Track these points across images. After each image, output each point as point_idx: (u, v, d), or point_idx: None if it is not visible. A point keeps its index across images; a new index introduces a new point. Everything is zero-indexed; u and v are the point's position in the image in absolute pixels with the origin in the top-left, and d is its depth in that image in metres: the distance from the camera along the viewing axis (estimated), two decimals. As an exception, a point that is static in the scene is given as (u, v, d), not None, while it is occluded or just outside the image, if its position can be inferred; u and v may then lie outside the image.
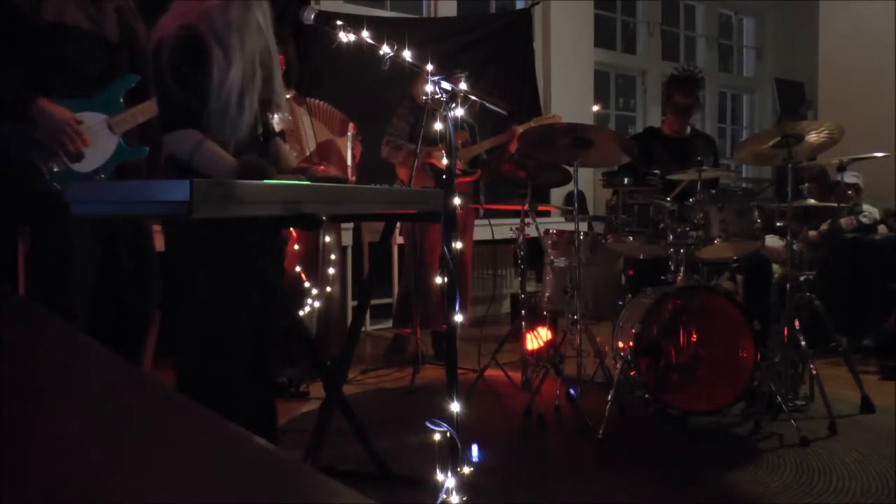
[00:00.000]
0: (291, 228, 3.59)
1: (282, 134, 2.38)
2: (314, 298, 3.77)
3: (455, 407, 2.00)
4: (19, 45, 2.37)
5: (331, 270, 3.87)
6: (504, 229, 4.29)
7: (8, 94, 2.34)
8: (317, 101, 3.95)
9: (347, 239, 5.29)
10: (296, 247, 3.75)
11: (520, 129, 4.25)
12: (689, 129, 4.06)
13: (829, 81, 6.49)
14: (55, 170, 2.37)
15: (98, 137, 2.47)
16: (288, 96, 3.68)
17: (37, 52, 2.39)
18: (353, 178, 3.72)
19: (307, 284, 3.76)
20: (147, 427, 0.54)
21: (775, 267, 3.83)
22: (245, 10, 2.08)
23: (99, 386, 0.65)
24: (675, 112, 3.99)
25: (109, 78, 2.51)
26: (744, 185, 7.57)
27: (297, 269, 3.74)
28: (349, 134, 3.90)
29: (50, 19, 2.38)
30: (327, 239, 3.85)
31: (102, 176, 2.47)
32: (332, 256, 3.88)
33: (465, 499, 2.01)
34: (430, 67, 2.12)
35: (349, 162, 3.85)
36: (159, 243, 2.28)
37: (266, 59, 2.16)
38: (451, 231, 2.05)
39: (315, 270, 3.82)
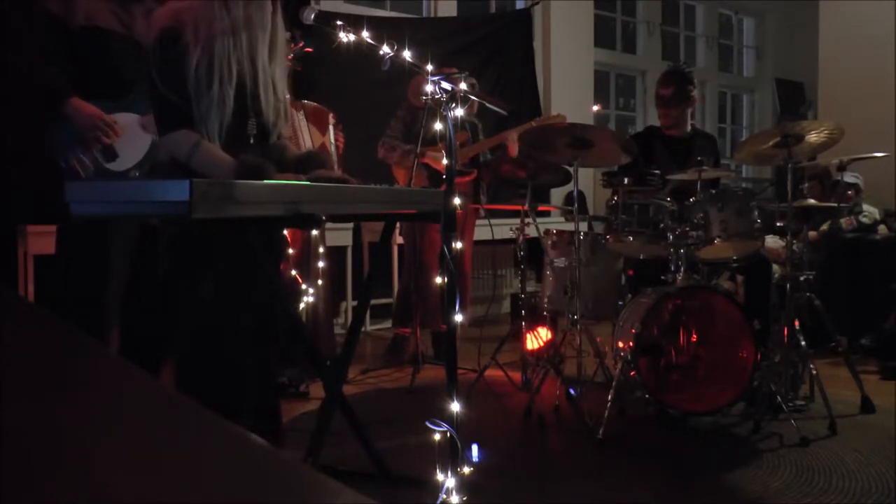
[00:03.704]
0: (286, 230, 3.58)
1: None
2: (308, 296, 3.77)
3: (455, 407, 2.00)
4: (57, 48, 2.48)
5: (320, 264, 3.86)
6: (504, 229, 4.29)
7: (46, 92, 2.47)
8: (309, 102, 3.94)
9: (347, 239, 5.29)
10: (290, 251, 3.75)
11: (514, 133, 4.26)
12: (689, 128, 4.05)
13: (829, 81, 6.49)
14: (91, 169, 2.43)
15: (131, 137, 2.53)
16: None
17: (73, 55, 2.50)
18: (339, 170, 3.71)
19: (304, 286, 3.76)
20: (147, 427, 0.54)
21: (775, 267, 3.83)
22: (237, 8, 2.07)
23: (99, 386, 0.65)
24: (658, 105, 3.99)
25: (141, 79, 2.55)
26: (744, 185, 7.57)
27: (293, 272, 3.73)
28: (330, 126, 3.89)
29: (83, 23, 2.49)
30: (314, 233, 3.84)
31: (137, 174, 2.53)
32: (321, 250, 3.87)
33: (465, 499, 2.01)
34: (429, 67, 2.12)
35: (333, 153, 3.85)
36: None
37: (262, 56, 2.15)
38: (450, 231, 2.05)
39: (308, 269, 3.82)
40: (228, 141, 2.07)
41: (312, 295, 3.79)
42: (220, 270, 2.10)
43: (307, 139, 3.78)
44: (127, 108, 2.54)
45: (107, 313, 2.49)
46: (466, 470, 2.04)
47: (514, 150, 4.25)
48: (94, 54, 2.52)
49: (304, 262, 3.83)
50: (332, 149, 3.88)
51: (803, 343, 3.24)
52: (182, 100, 2.02)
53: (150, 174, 2.56)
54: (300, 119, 3.77)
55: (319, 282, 3.84)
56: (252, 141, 2.18)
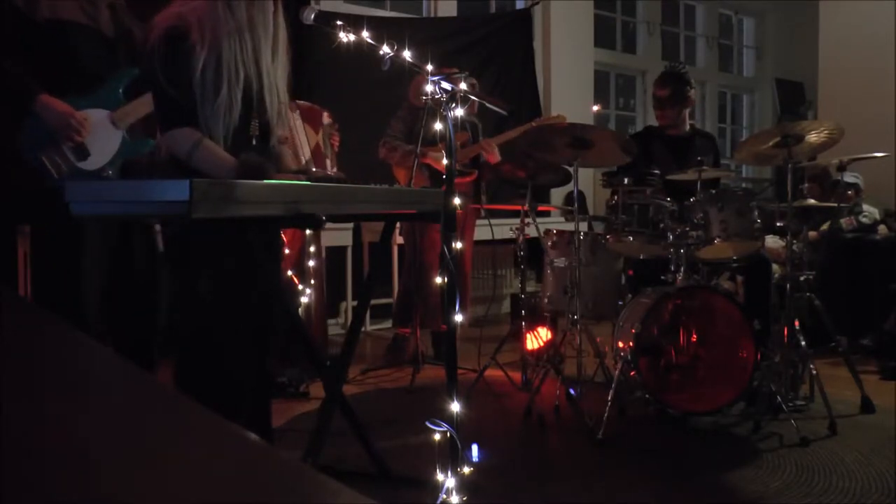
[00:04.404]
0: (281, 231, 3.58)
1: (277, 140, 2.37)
2: (303, 296, 3.78)
3: (455, 407, 2.00)
4: (20, 41, 2.38)
5: (311, 263, 3.85)
6: (504, 229, 4.29)
7: (13, 89, 2.36)
8: (302, 102, 3.94)
9: (347, 239, 5.29)
10: (286, 251, 3.75)
11: (492, 143, 4.27)
12: (688, 128, 4.05)
13: (829, 81, 6.49)
14: (64, 169, 2.38)
15: (102, 133, 2.47)
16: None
17: (37, 48, 2.40)
18: (335, 169, 3.71)
19: (300, 287, 3.75)
20: (146, 427, 0.54)
21: (775, 267, 3.83)
22: (241, 9, 2.07)
23: (98, 386, 0.65)
24: (655, 105, 4.00)
25: (108, 72, 2.51)
26: (744, 185, 7.57)
27: (290, 273, 3.73)
28: (324, 125, 3.89)
29: (47, 15, 2.39)
30: (307, 232, 3.84)
31: (110, 173, 2.48)
32: (311, 249, 3.87)
33: (465, 499, 2.01)
34: (429, 67, 2.12)
35: (327, 152, 3.84)
36: (159, 244, 2.29)
37: (266, 58, 2.15)
38: (450, 231, 2.05)
39: (303, 269, 3.82)
40: (232, 142, 2.08)
41: (307, 295, 3.78)
42: (220, 270, 2.10)
43: (303, 139, 3.77)
44: (96, 102, 2.47)
45: (85, 312, 2.43)
46: (466, 470, 2.04)
47: (493, 157, 4.26)
48: (60, 48, 2.42)
49: (301, 262, 3.83)
50: (326, 148, 3.88)
51: (803, 343, 3.24)
52: (185, 98, 2.02)
53: (122, 171, 2.53)
54: (296, 119, 3.77)
55: (312, 282, 3.84)
56: (254, 142, 2.18)
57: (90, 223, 2.38)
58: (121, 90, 2.53)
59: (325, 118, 3.92)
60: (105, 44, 2.52)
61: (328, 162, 3.84)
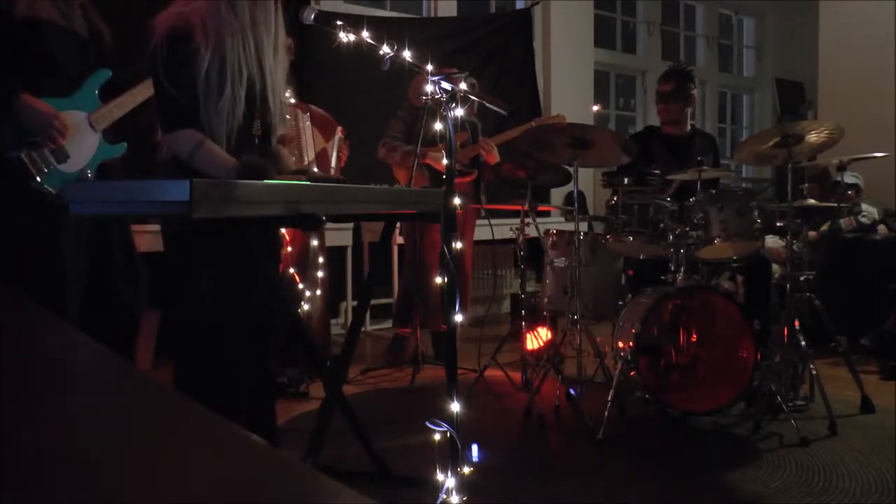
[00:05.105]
0: (284, 230, 3.58)
1: (281, 139, 2.37)
2: (305, 301, 3.78)
3: (455, 407, 2.00)
4: (1, 42, 2.34)
5: (319, 274, 3.86)
6: (504, 229, 4.29)
7: None
8: (317, 108, 3.95)
9: (347, 239, 5.29)
10: (289, 248, 3.75)
11: (490, 143, 4.27)
12: (689, 128, 4.05)
13: (829, 81, 6.49)
14: (45, 171, 2.36)
15: (81, 135, 2.46)
16: (292, 101, 3.68)
17: (14, 47, 2.35)
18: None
19: (301, 286, 3.76)
20: (146, 427, 0.54)
21: (775, 267, 3.83)
22: (244, 9, 2.08)
23: (98, 386, 0.65)
24: (658, 100, 4.00)
25: (83, 73, 2.50)
26: (744, 185, 7.57)
27: (291, 270, 3.74)
28: (336, 137, 3.91)
29: (24, 14, 2.36)
30: (314, 242, 3.84)
31: (90, 174, 2.47)
32: (321, 260, 3.87)
33: (465, 499, 2.01)
34: (429, 67, 2.12)
35: (333, 163, 3.86)
36: (160, 244, 2.28)
37: (269, 58, 2.15)
38: (450, 231, 2.05)
39: (305, 273, 3.83)
40: (235, 142, 2.08)
41: (307, 301, 3.78)
42: (220, 270, 2.10)
43: (309, 141, 3.78)
44: (74, 104, 2.45)
45: (65, 311, 2.40)
46: (466, 470, 2.04)
47: (492, 158, 4.26)
48: (37, 47, 2.38)
49: (303, 261, 3.83)
50: (334, 159, 3.89)
51: (803, 343, 3.24)
52: (188, 99, 2.02)
53: (99, 174, 2.52)
54: (305, 120, 3.78)
55: (318, 292, 3.84)
56: (256, 142, 2.18)
57: (65, 221, 2.34)
58: (97, 92, 2.53)
59: (339, 132, 3.94)
60: (79, 44, 2.51)
61: (332, 171, 3.85)
